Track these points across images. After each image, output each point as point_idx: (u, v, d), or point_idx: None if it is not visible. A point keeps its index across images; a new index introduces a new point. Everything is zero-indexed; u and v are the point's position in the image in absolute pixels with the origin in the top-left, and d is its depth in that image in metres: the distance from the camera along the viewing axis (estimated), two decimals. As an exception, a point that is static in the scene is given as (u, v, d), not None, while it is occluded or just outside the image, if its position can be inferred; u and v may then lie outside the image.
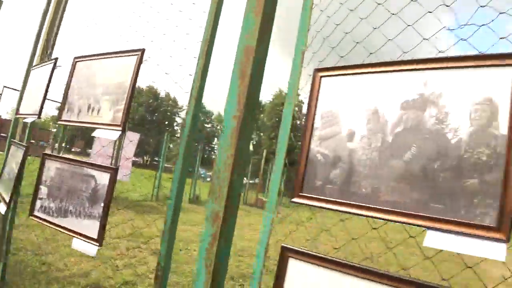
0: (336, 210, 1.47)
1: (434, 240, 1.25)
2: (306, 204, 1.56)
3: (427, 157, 1.32)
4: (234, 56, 2.01)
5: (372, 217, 1.38)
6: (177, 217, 2.26)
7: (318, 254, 1.50)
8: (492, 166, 1.21)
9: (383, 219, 1.36)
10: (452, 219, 1.24)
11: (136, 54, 2.38)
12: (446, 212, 1.26)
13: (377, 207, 1.38)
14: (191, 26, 2.32)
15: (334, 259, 1.46)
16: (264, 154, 27.33)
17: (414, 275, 1.56)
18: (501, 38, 1.36)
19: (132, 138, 11.54)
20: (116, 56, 2.53)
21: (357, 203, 1.42)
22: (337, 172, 1.50)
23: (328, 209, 1.50)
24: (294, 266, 1.56)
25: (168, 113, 72.76)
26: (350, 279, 1.40)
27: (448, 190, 1.26)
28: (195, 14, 2.30)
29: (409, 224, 1.31)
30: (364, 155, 1.45)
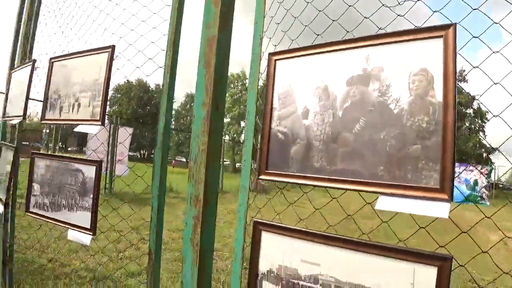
0: (298, 183, 1.54)
1: (386, 203, 1.32)
2: (271, 180, 1.63)
3: (374, 128, 1.38)
4: (199, 47, 2.06)
5: (329, 187, 1.45)
6: (162, 207, 2.33)
7: (286, 225, 1.58)
8: (432, 131, 1.28)
9: (339, 188, 1.43)
10: (401, 183, 1.31)
11: (107, 51, 2.40)
12: (394, 177, 1.33)
13: (334, 177, 1.45)
14: (156, 20, 2.35)
15: (300, 228, 1.53)
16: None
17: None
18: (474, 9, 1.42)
19: (126, 133, 11.54)
20: (88, 54, 2.55)
21: (315, 176, 1.49)
22: (296, 148, 1.56)
23: (291, 182, 1.57)
24: (266, 238, 1.64)
25: None
26: (316, 245, 1.48)
27: (395, 157, 1.33)
28: (159, 8, 2.33)
29: (363, 191, 1.38)
30: (318, 130, 1.50)
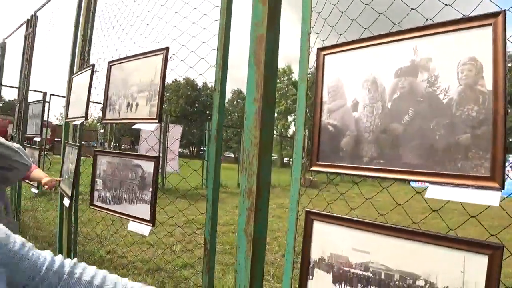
0: (348, 174, 1.58)
1: (436, 192, 1.34)
2: (323, 172, 1.67)
3: (423, 118, 1.40)
4: (248, 45, 2.13)
5: (379, 177, 1.48)
6: (216, 199, 2.42)
7: (336, 215, 1.62)
8: (482, 120, 1.28)
9: (389, 178, 1.46)
10: (451, 172, 1.33)
11: (161, 53, 2.53)
12: (445, 166, 1.34)
13: (383, 167, 1.48)
14: (207, 21, 2.44)
15: (350, 217, 1.57)
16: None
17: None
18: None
19: (176, 131, 11.77)
20: (144, 57, 2.69)
21: (366, 166, 1.53)
22: (346, 140, 1.60)
23: (342, 173, 1.61)
24: (318, 227, 1.69)
25: (208, 103, 71.15)
26: (366, 234, 1.52)
27: (445, 146, 1.34)
28: (209, 10, 2.41)
29: (413, 180, 1.40)
30: (368, 122, 1.53)
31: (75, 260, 1.28)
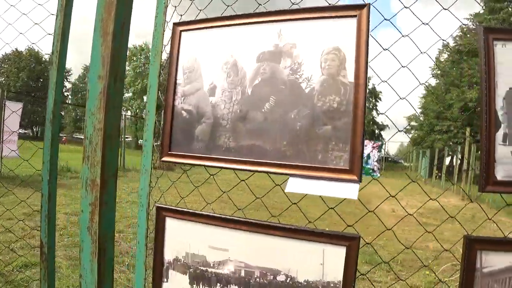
0: (203, 165, 1.39)
1: (296, 185, 1.22)
2: (175, 162, 1.45)
3: (284, 107, 1.26)
4: (95, 12, 1.79)
5: (236, 169, 1.31)
6: (54, 193, 2.04)
7: (190, 210, 1.42)
8: (343, 112, 1.19)
9: (247, 170, 1.30)
10: (311, 164, 1.22)
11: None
12: (305, 158, 1.23)
13: (241, 159, 1.31)
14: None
15: (206, 213, 1.38)
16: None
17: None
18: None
19: (14, 108, 10.22)
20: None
21: (222, 157, 1.35)
22: (202, 127, 1.40)
23: (196, 164, 1.41)
24: (171, 224, 1.47)
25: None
26: (223, 230, 1.35)
27: (306, 137, 1.23)
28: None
29: (272, 173, 1.27)
30: (226, 109, 1.35)
31: None
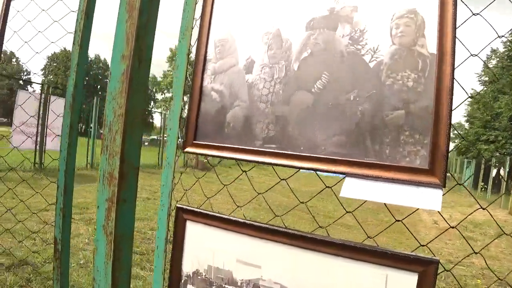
0: (235, 159, 1.10)
1: (354, 189, 0.92)
2: (199, 154, 1.17)
3: (341, 87, 0.96)
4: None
5: (277, 164, 1.02)
6: (70, 185, 1.83)
7: (217, 214, 1.14)
8: (420, 93, 0.88)
9: (291, 166, 1.01)
10: (375, 161, 0.92)
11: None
12: (367, 153, 0.93)
13: (284, 152, 1.01)
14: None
15: (235, 218, 1.10)
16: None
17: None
18: None
19: (59, 104, 10.29)
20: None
21: (259, 149, 1.06)
22: (235, 112, 1.11)
23: (225, 157, 1.12)
24: (193, 229, 1.20)
25: (100, 77, 65.56)
26: (256, 241, 1.07)
27: (369, 126, 0.91)
28: None
29: (324, 171, 0.97)
30: (265, 89, 1.05)
31: None
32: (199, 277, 1.15)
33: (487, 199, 18.06)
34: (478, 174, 23.35)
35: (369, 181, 0.90)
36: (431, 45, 0.88)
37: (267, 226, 1.03)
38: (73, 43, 1.82)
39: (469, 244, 1.10)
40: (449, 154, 0.86)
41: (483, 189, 21.38)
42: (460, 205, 11.93)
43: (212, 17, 1.19)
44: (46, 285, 1.85)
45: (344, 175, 0.93)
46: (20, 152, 2.58)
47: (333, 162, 0.94)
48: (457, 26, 1.07)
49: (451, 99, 0.85)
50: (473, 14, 1.14)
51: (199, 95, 1.17)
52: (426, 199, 0.83)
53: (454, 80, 0.85)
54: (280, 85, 1.03)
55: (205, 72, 1.17)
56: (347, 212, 1.07)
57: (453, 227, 1.16)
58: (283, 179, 1.14)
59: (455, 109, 1.19)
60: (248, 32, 1.12)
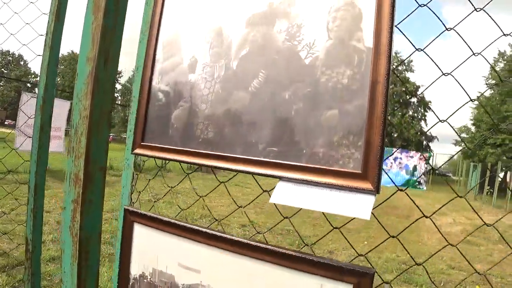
0: (177, 161, 1.05)
1: (284, 194, 0.85)
2: (146, 155, 1.12)
3: (276, 85, 0.89)
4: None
5: (214, 166, 0.96)
6: (41, 186, 1.80)
7: (161, 217, 1.08)
8: (355, 91, 0.81)
9: (227, 169, 0.95)
10: (310, 165, 0.85)
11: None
12: (302, 156, 0.86)
13: (220, 153, 0.95)
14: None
15: (178, 222, 1.04)
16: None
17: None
18: None
19: (64, 105, 10.36)
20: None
21: (199, 151, 1.00)
22: (179, 113, 1.06)
23: (168, 159, 1.07)
24: (140, 232, 1.15)
25: None
26: (198, 246, 1.01)
27: (303, 126, 0.85)
28: None
29: (259, 174, 0.91)
30: (206, 89, 0.99)
31: None
32: (144, 280, 1.10)
33: (492, 203, 17.75)
34: (484, 177, 22.98)
35: (300, 186, 0.83)
36: (367, 39, 0.81)
37: (206, 230, 0.97)
38: (44, 45, 1.79)
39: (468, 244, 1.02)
40: (454, 157, 0.79)
41: (488, 193, 21.03)
42: (465, 209, 11.71)
43: (162, 17, 1.14)
44: (40, 286, 1.82)
45: (278, 178, 0.87)
46: (18, 154, 2.56)
47: (268, 165, 0.88)
48: (456, 24, 1.02)
49: (386, 96, 0.78)
50: (475, 9, 1.08)
51: (147, 96, 1.12)
52: (356, 206, 0.76)
53: (455, 81, 0.79)
54: (219, 84, 0.97)
55: (153, 73, 1.12)
56: (284, 218, 1.00)
57: (427, 217, 1.11)
58: (222, 182, 1.08)
59: (456, 111, 1.14)
60: (193, 31, 1.07)
